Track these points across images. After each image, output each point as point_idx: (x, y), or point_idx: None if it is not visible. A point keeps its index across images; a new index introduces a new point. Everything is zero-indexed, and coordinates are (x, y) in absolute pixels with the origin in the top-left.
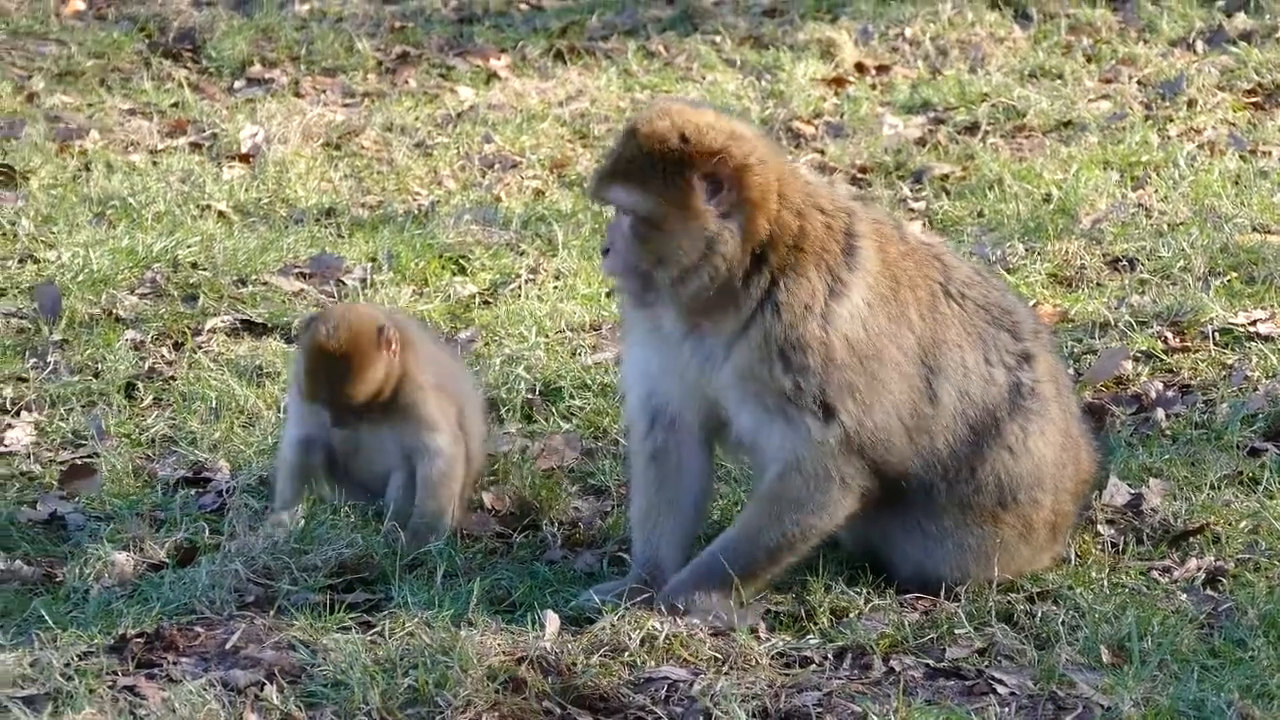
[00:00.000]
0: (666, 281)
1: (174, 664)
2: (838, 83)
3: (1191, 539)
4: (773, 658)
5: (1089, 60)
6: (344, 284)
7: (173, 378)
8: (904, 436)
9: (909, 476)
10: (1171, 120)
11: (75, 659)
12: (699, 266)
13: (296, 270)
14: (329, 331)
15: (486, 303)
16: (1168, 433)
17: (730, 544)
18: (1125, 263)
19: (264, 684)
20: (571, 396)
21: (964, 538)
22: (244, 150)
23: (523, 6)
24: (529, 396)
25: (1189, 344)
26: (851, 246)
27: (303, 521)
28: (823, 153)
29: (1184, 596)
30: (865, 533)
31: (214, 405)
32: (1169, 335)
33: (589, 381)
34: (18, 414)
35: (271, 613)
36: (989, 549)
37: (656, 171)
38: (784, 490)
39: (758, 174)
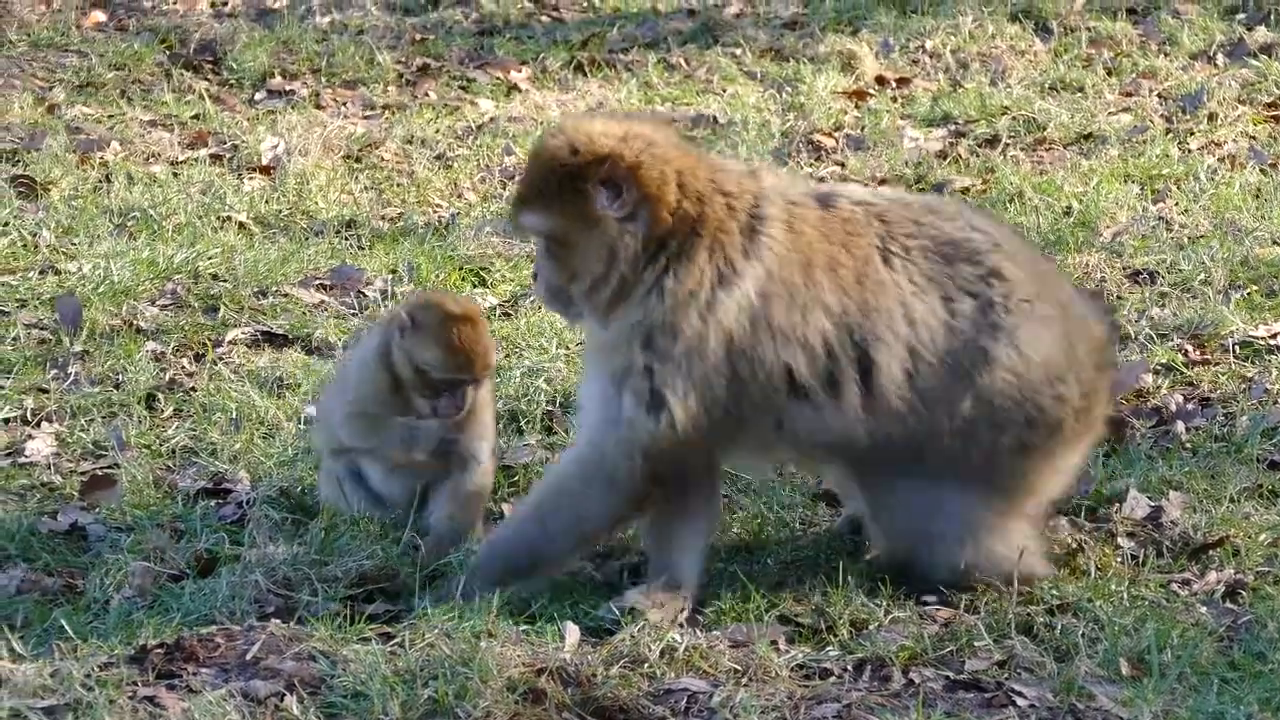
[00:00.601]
0: (581, 294)
1: (194, 674)
2: (858, 95)
3: (1211, 552)
4: (792, 669)
5: (1109, 73)
6: (365, 296)
7: (193, 389)
8: (731, 434)
9: (707, 474)
10: (1192, 133)
11: (96, 669)
12: (608, 274)
13: (317, 282)
14: (457, 301)
15: (507, 314)
16: (1188, 445)
17: (503, 536)
18: (1146, 275)
19: (284, 695)
20: None
21: (990, 476)
22: (264, 162)
23: (543, 19)
24: (549, 408)
25: (1209, 357)
26: (753, 229)
27: (323, 532)
28: (843, 165)
29: (1204, 609)
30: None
31: (234, 416)
32: (1189, 348)
33: None
34: (38, 425)
35: (292, 623)
36: (1029, 468)
37: (556, 189)
38: (575, 474)
39: (651, 169)
